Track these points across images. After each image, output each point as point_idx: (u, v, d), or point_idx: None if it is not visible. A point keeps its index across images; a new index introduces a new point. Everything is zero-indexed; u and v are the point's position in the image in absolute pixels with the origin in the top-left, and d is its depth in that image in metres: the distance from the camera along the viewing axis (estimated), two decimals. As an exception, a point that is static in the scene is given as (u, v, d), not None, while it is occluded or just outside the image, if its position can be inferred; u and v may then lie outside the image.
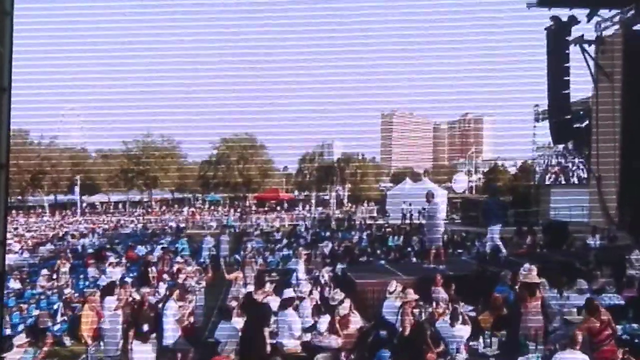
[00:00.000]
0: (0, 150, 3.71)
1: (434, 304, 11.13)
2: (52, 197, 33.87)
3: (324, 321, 9.66)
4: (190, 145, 32.94)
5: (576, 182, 23.38)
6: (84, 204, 36.02)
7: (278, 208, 32.62)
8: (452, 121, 46.08)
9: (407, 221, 26.39)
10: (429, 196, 14.03)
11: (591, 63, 19.07)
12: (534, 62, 18.92)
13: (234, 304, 10.79)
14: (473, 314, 10.81)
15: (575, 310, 9.08)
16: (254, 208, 33.15)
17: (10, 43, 4.05)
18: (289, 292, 9.89)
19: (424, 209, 15.36)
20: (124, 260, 16.59)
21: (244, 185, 33.02)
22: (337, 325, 9.57)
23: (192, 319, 10.49)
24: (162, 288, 13.34)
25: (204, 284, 13.21)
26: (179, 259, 17.02)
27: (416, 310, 10.96)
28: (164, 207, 34.05)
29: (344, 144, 40.80)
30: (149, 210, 33.05)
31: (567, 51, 18.11)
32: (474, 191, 34.88)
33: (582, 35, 18.78)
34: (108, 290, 11.52)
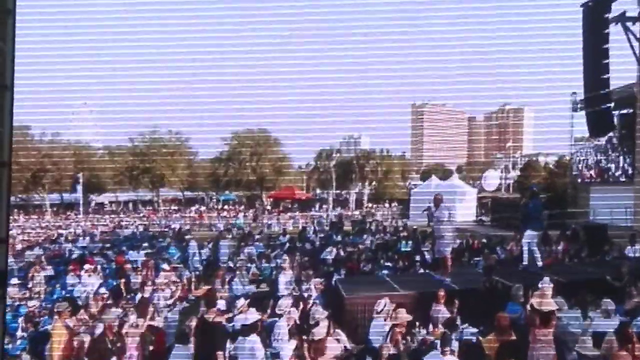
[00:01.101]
0: (3, 149, 3.72)
1: (431, 325, 9.94)
2: (57, 196, 33.53)
3: (288, 347, 8.54)
4: (200, 141, 32.05)
5: (619, 179, 21.82)
6: (93, 204, 35.64)
7: (295, 207, 31.58)
8: (489, 112, 44.15)
9: (432, 223, 25.11)
10: (438, 200, 12.87)
11: (635, 44, 17.60)
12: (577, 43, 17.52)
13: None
14: (476, 338, 9.56)
15: (590, 340, 7.70)
16: (268, 208, 32.19)
17: (12, 40, 4.10)
18: (252, 316, 8.77)
19: (426, 209, 14.22)
20: (99, 267, 15.68)
21: (257, 183, 32.07)
22: (307, 353, 8.46)
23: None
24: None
25: (177, 297, 12.15)
26: (166, 266, 16.05)
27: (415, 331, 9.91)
28: (171, 207, 33.32)
29: (371, 139, 39.56)
30: (151, 210, 32.39)
31: (606, 30, 16.63)
32: (511, 190, 33.29)
33: (624, 12, 17.32)
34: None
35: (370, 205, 31.61)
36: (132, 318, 9.93)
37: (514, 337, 8.86)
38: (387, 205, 30.57)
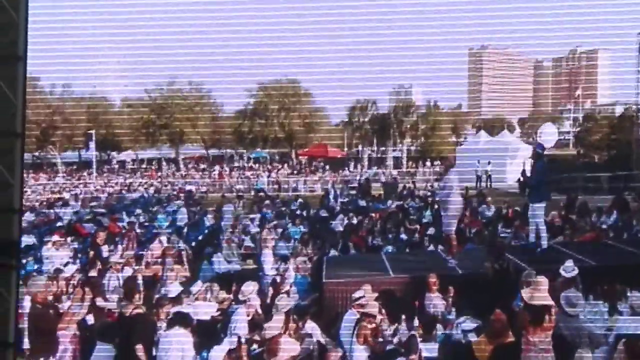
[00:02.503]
0: (16, 120, 3.48)
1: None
2: (74, 154, 33.42)
3: (219, 350, 7.54)
4: (223, 93, 31.16)
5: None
6: (114, 162, 35.50)
7: (327, 167, 30.52)
8: (557, 57, 41.62)
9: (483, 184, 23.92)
10: (448, 164, 11.57)
11: None
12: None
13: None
14: (474, 337, 8.37)
15: (590, 354, 6.43)
16: (299, 167, 31.26)
17: (25, 10, 3.73)
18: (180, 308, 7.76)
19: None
20: (69, 239, 15.00)
21: (286, 139, 31.09)
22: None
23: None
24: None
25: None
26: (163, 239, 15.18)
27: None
28: (194, 166, 32.81)
29: (423, 89, 37.94)
30: (155, 169, 31.95)
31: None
32: (579, 146, 31.35)
33: None
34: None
35: (410, 164, 30.20)
36: (66, 304, 9.17)
37: (511, 340, 7.66)
38: (428, 164, 29.09)
